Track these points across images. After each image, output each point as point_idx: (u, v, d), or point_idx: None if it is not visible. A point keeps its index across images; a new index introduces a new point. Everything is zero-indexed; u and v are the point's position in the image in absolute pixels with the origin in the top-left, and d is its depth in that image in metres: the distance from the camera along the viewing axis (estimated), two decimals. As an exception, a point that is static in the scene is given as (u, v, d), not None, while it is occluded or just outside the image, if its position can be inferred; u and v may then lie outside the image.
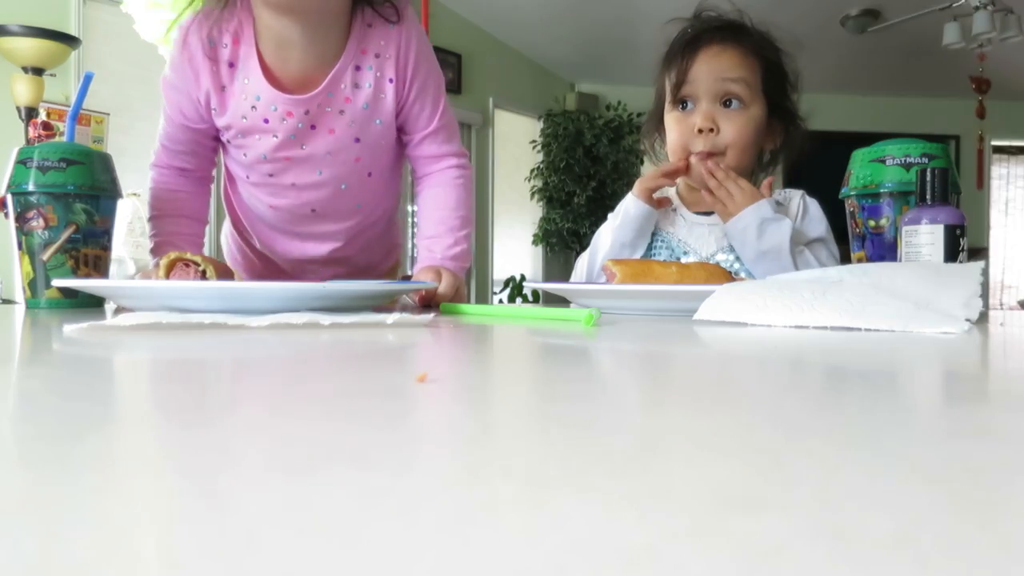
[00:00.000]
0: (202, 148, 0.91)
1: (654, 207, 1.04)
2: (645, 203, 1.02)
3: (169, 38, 0.99)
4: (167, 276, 0.70)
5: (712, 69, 1.00)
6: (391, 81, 0.85)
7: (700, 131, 1.00)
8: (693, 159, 1.00)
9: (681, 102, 1.03)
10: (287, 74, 0.84)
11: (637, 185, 1.03)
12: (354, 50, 0.84)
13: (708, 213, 1.08)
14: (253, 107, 0.83)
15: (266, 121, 0.84)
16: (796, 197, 1.07)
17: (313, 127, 0.85)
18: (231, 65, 0.82)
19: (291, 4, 0.77)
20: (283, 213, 0.93)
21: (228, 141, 0.89)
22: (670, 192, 1.15)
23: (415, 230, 0.97)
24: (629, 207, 1.04)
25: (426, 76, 0.88)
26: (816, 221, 1.05)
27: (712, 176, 0.97)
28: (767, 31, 1.06)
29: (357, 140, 0.87)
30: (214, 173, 0.97)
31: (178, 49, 0.84)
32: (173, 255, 0.71)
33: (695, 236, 1.07)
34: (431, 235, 0.95)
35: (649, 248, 1.09)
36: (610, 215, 1.14)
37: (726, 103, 1.00)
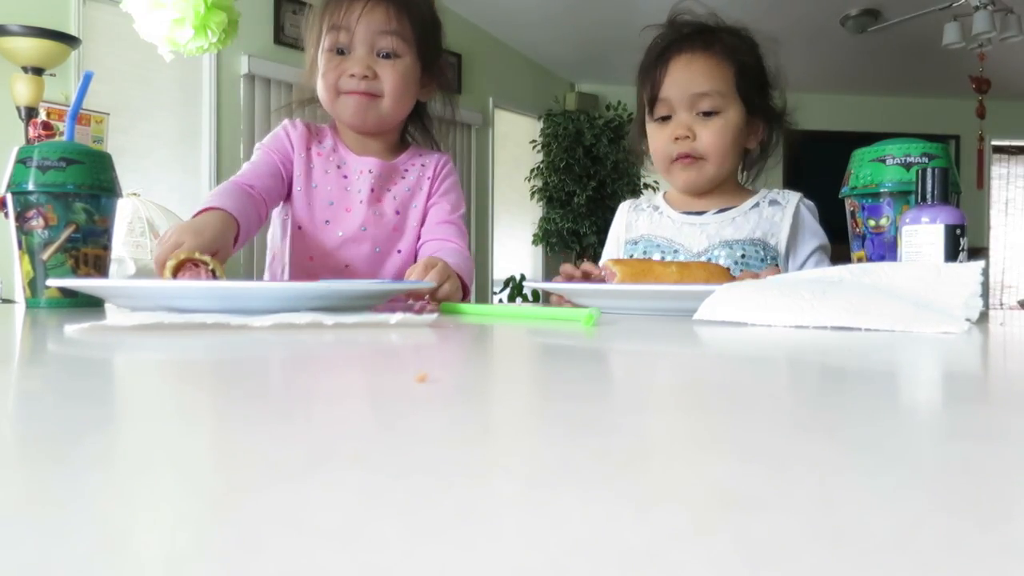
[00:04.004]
0: (273, 184, 1.05)
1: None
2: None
3: (171, 38, 1.00)
4: (174, 276, 0.70)
5: (683, 83, 1.02)
6: (428, 178, 1.09)
7: (677, 138, 1.03)
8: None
9: (660, 114, 1.05)
10: (360, 152, 1.09)
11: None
12: (405, 160, 1.10)
13: (698, 213, 1.08)
14: (338, 166, 1.07)
15: (345, 177, 1.06)
16: (793, 201, 1.07)
17: (372, 190, 1.05)
18: (320, 142, 1.09)
19: (362, 129, 1.06)
20: (321, 264, 1.04)
21: (300, 189, 1.05)
22: (657, 197, 1.15)
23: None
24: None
25: (451, 185, 1.11)
26: (811, 233, 1.06)
27: None
28: (742, 28, 1.06)
29: (397, 212, 1.06)
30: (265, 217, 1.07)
31: (281, 127, 1.09)
32: (182, 255, 0.71)
33: (684, 235, 1.07)
34: (437, 249, 1.01)
35: (640, 249, 1.10)
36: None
37: (702, 112, 1.02)
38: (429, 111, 1.13)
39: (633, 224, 1.15)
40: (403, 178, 1.08)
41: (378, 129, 1.05)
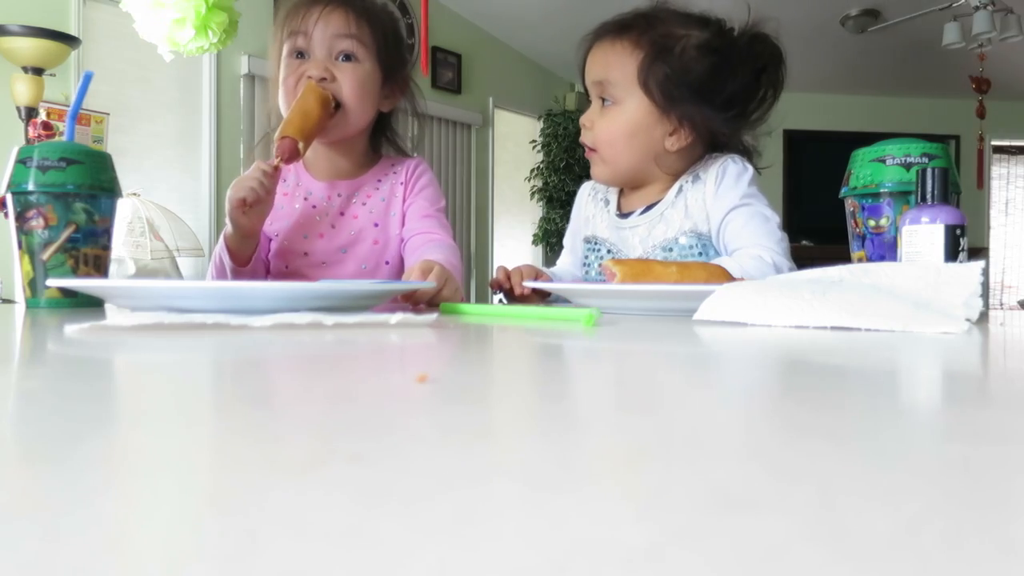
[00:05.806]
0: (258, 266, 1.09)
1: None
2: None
3: (171, 38, 1.00)
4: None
5: (588, 72, 1.02)
6: (402, 184, 1.09)
7: (582, 127, 1.03)
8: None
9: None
10: (327, 176, 1.09)
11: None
12: (377, 172, 1.10)
13: (627, 215, 1.04)
14: (305, 198, 1.06)
15: (314, 207, 1.06)
16: (714, 169, 0.95)
17: (342, 213, 1.06)
18: (284, 180, 1.08)
19: (329, 139, 1.05)
20: None
21: (277, 234, 1.06)
22: (612, 191, 1.10)
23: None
24: None
25: (427, 182, 1.10)
26: (728, 188, 0.92)
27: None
28: (708, 19, 0.97)
29: (376, 225, 1.07)
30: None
31: None
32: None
33: (620, 239, 1.04)
34: (423, 243, 1.01)
35: (595, 254, 1.08)
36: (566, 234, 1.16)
37: (602, 100, 1.00)
38: (394, 123, 1.14)
39: (591, 219, 1.11)
40: (377, 189, 1.08)
41: (341, 136, 1.04)
